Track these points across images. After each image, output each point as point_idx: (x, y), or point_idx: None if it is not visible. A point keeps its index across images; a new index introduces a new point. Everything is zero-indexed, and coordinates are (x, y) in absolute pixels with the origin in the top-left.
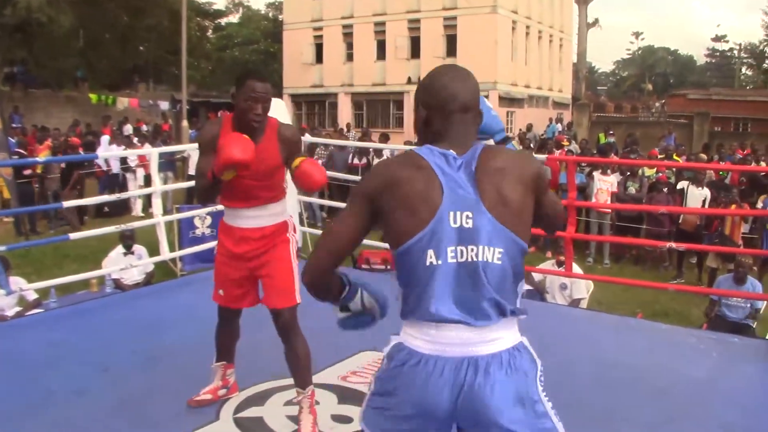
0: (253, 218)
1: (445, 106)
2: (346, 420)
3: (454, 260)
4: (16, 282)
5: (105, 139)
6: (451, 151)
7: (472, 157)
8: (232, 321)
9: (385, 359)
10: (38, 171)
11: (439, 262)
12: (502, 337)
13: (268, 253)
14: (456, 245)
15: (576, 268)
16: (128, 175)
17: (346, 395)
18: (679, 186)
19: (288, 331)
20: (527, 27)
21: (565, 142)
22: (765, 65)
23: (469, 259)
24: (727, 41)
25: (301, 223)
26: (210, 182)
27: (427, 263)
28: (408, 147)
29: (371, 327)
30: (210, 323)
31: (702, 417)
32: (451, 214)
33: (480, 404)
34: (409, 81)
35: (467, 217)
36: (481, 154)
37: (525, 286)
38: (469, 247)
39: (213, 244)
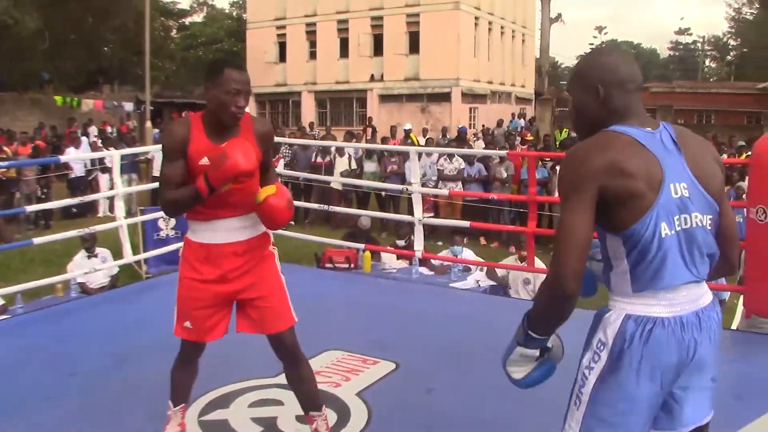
0: (234, 230)
1: (625, 84)
2: None
3: (680, 227)
4: None
5: (85, 141)
6: (648, 128)
7: (669, 133)
8: (197, 358)
9: (614, 341)
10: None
11: (672, 232)
12: (708, 289)
13: (253, 272)
14: (680, 214)
15: (539, 263)
16: (103, 176)
17: None
18: None
19: (294, 355)
20: (490, 23)
21: (529, 137)
22: (728, 57)
23: (691, 225)
24: (690, 34)
25: None
26: (199, 195)
27: (663, 235)
28: (362, 145)
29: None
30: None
31: None
32: (672, 186)
33: (704, 350)
34: (372, 78)
35: (684, 187)
36: (674, 131)
37: (489, 282)
38: (691, 215)
39: (178, 245)
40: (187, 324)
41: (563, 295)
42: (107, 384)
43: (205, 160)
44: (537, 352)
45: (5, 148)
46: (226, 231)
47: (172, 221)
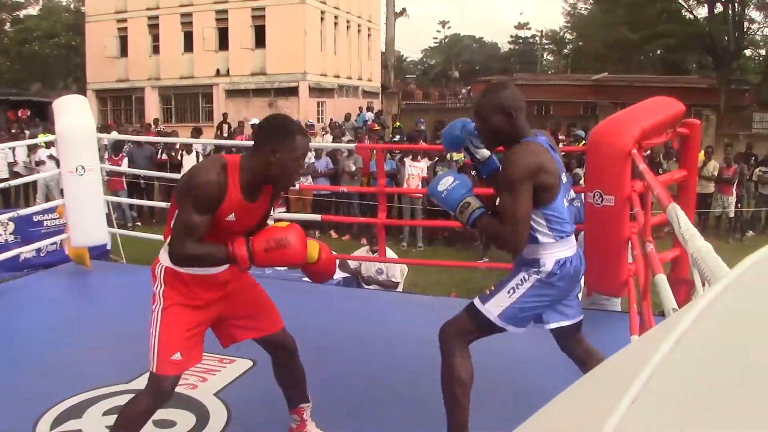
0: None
1: (523, 108)
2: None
3: (567, 200)
4: None
5: None
6: (540, 137)
7: (544, 138)
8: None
9: (544, 275)
10: None
11: (567, 203)
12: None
13: (240, 289)
14: (567, 192)
15: (390, 253)
16: None
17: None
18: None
19: (294, 350)
20: (336, 17)
21: (377, 128)
22: (565, 51)
23: (570, 198)
24: (529, 28)
25: (110, 224)
26: (234, 263)
27: (565, 205)
28: (218, 141)
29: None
30: (20, 333)
31: (516, 384)
32: (563, 175)
33: (581, 273)
34: (218, 73)
35: (566, 175)
36: (544, 135)
37: (343, 274)
38: (569, 192)
39: (17, 251)
40: (177, 356)
41: (516, 249)
42: None
43: (231, 217)
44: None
45: None
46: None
47: (11, 226)
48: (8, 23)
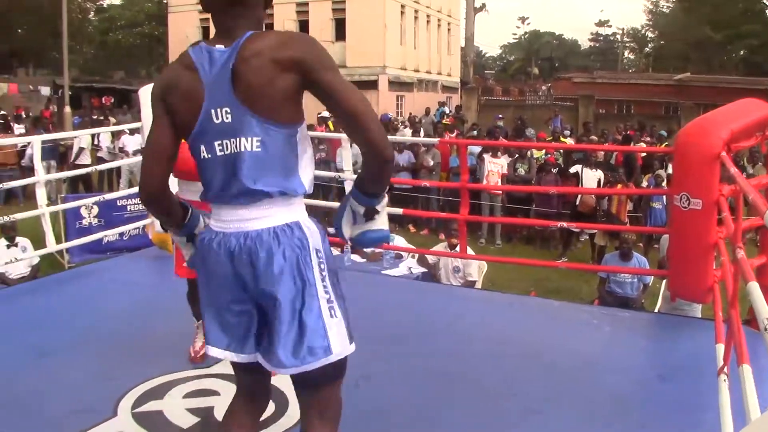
0: None
1: (210, 2)
2: None
3: (222, 153)
4: None
5: None
6: (219, 45)
7: (232, 51)
8: None
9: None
10: None
11: (209, 155)
12: (269, 215)
13: None
14: (222, 139)
15: (468, 250)
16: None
17: None
18: (573, 169)
19: None
20: (416, 11)
21: (446, 121)
22: (646, 49)
23: (232, 151)
24: (610, 26)
25: None
26: None
27: (201, 156)
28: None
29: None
30: (102, 315)
31: (593, 389)
32: (213, 111)
33: (253, 271)
34: None
35: (226, 112)
36: (243, 43)
37: (421, 269)
38: (231, 140)
39: (102, 234)
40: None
41: (142, 201)
42: (29, 377)
43: None
44: (184, 239)
45: None
46: None
47: (95, 209)
48: (92, 12)
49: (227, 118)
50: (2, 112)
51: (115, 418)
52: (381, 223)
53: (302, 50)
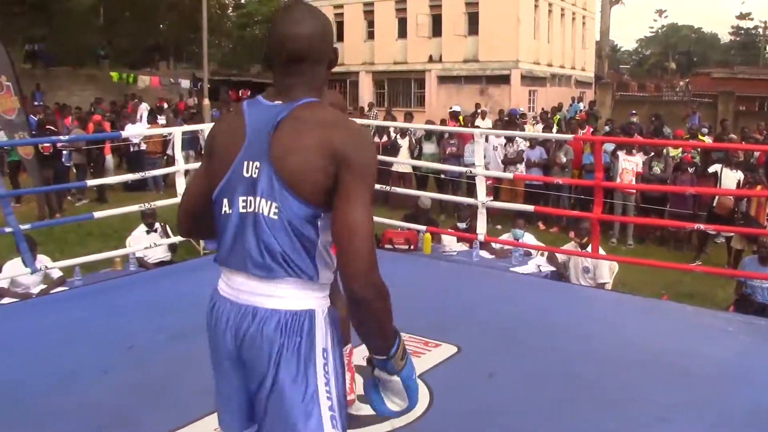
0: None
1: (278, 56)
2: None
3: (244, 210)
4: (41, 260)
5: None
6: (276, 101)
7: (285, 110)
8: None
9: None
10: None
11: (230, 211)
12: (284, 296)
13: None
14: (246, 195)
15: (599, 250)
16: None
17: None
18: (711, 169)
19: None
20: (550, 4)
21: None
22: None
23: (252, 210)
24: (751, 19)
25: None
26: None
27: (222, 211)
28: (428, 126)
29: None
30: None
31: (727, 399)
32: (245, 163)
33: (252, 356)
34: (431, 59)
35: (256, 167)
36: (298, 106)
37: (550, 267)
38: (251, 199)
39: None
40: None
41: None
42: (162, 359)
43: None
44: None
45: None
46: None
47: None
48: (230, 8)
49: (255, 173)
50: (146, 104)
51: None
52: (395, 393)
53: (352, 145)
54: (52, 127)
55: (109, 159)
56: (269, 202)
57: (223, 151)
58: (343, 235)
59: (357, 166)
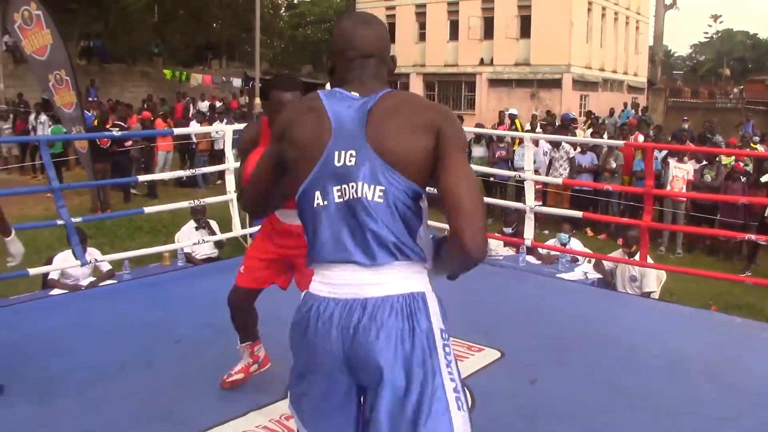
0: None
1: (345, 53)
2: None
3: (341, 200)
4: (92, 253)
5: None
6: (354, 93)
7: (371, 99)
8: (244, 308)
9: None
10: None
11: (326, 202)
12: (391, 281)
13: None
14: (341, 184)
15: (648, 259)
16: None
17: None
18: (764, 179)
19: None
20: (603, 8)
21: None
22: None
23: (351, 197)
24: None
25: None
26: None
27: (315, 204)
28: (479, 129)
29: None
30: (279, 299)
31: None
32: (337, 153)
33: (365, 350)
34: (482, 62)
35: (351, 155)
36: (384, 94)
37: (597, 275)
38: (351, 185)
39: None
40: (241, 269)
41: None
42: (208, 353)
43: None
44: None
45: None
46: (294, 217)
47: None
48: (283, 8)
49: (350, 161)
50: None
51: (285, 400)
52: None
53: (444, 119)
54: (122, 123)
55: (162, 155)
56: (372, 186)
57: (307, 143)
58: (460, 203)
59: (455, 137)
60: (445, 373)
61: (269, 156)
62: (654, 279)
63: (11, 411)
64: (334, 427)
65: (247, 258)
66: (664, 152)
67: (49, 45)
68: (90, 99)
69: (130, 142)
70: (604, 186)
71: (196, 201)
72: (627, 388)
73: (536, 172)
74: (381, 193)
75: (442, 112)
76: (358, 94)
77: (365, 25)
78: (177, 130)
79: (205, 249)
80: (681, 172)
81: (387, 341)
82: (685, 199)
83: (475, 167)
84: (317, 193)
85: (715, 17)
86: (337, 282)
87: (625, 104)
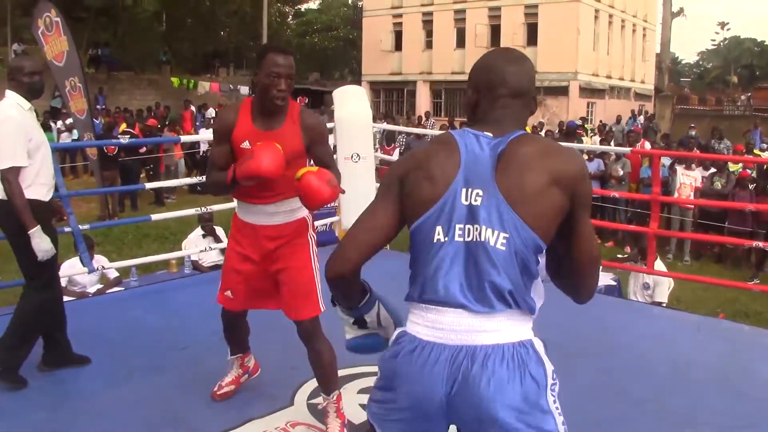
0: (267, 215)
1: (493, 90)
2: None
3: (461, 239)
4: (99, 260)
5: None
6: (487, 132)
7: (503, 141)
8: (238, 323)
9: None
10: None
11: (446, 239)
12: (503, 329)
13: (282, 258)
14: (464, 223)
15: (659, 265)
16: None
17: None
18: None
19: (310, 340)
20: (610, 16)
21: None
22: None
23: (474, 239)
24: None
25: None
26: (226, 184)
27: (434, 240)
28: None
29: (379, 351)
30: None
31: None
32: (463, 191)
33: (474, 400)
34: None
35: (477, 194)
36: (514, 138)
37: (604, 281)
38: (474, 227)
39: None
40: (228, 293)
41: (327, 279)
42: (214, 360)
43: (246, 144)
44: (351, 320)
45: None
46: (261, 215)
47: None
48: (290, 16)
49: (476, 201)
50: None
51: (291, 407)
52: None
53: (582, 180)
54: (132, 131)
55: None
56: (496, 232)
57: (432, 179)
58: (586, 267)
59: (586, 198)
60: (556, 414)
61: (387, 196)
62: (666, 288)
63: (21, 418)
64: None
65: (224, 271)
66: (672, 159)
67: (66, 51)
68: (98, 107)
69: (143, 149)
70: (611, 193)
71: (203, 208)
72: (636, 395)
73: None
74: (504, 241)
75: (580, 171)
76: (491, 135)
77: (518, 62)
78: (184, 138)
79: (212, 256)
80: (689, 180)
81: (498, 390)
82: (693, 206)
83: None
84: (438, 228)
85: (723, 24)
86: (442, 327)
87: (633, 111)
